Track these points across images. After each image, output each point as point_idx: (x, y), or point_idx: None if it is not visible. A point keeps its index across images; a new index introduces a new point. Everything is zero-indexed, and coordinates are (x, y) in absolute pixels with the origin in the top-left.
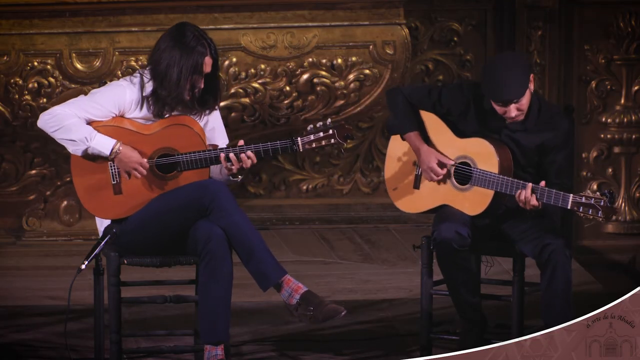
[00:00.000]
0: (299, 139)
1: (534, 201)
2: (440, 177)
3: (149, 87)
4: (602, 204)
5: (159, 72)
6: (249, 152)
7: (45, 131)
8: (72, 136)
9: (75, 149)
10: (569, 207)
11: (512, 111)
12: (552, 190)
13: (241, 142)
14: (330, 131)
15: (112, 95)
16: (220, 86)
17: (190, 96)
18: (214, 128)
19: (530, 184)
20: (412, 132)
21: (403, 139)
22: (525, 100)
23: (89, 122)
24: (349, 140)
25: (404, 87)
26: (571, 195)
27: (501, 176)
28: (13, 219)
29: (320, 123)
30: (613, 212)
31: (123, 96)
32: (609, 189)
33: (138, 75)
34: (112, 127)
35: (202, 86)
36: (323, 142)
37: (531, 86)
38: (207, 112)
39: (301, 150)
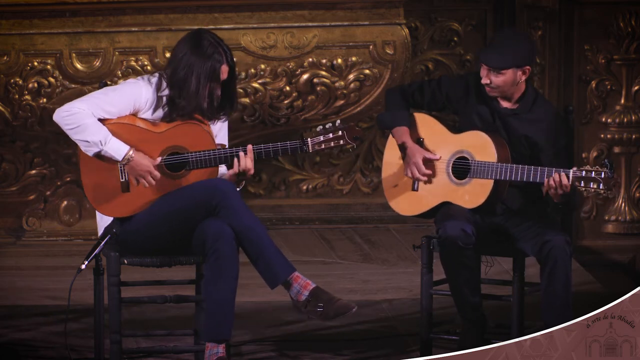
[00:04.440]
0: (309, 139)
1: (565, 180)
2: (424, 175)
3: (165, 91)
4: (602, 176)
5: (177, 81)
6: (249, 152)
7: (60, 127)
8: (87, 137)
9: (87, 150)
10: (569, 183)
11: (485, 78)
12: (552, 168)
13: (250, 146)
14: (340, 132)
15: (129, 94)
16: (236, 92)
17: (208, 104)
18: (220, 129)
19: (547, 169)
20: (401, 127)
21: (392, 135)
22: (500, 80)
23: (103, 120)
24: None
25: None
26: (571, 170)
27: (499, 164)
28: (13, 219)
29: (330, 124)
30: (614, 182)
31: (139, 95)
32: (607, 159)
33: (157, 76)
34: (124, 124)
35: (220, 94)
36: (332, 144)
37: (519, 75)
38: (223, 118)
39: (311, 151)
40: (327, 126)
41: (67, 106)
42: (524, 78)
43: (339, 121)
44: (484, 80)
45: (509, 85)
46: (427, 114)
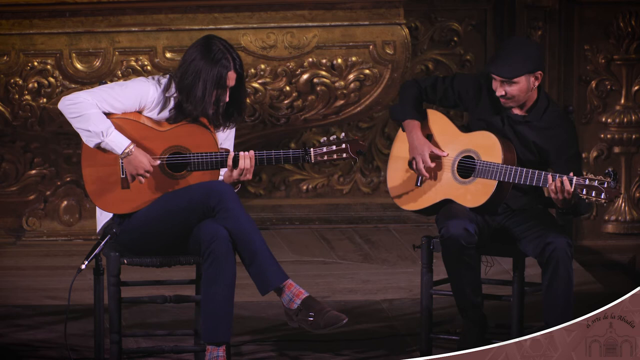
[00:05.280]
0: (311, 150)
1: (567, 186)
2: (429, 168)
3: (173, 94)
4: (605, 186)
5: (184, 86)
6: (251, 156)
7: (64, 115)
8: (90, 127)
9: (88, 140)
10: (572, 189)
11: (499, 90)
12: (556, 174)
13: (252, 152)
14: (343, 145)
15: (137, 92)
16: (245, 100)
17: (214, 110)
18: (227, 137)
19: (551, 174)
20: (412, 120)
21: (402, 127)
22: (514, 89)
23: (107, 114)
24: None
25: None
26: (575, 177)
27: (504, 165)
28: (13, 219)
29: (335, 136)
30: (617, 193)
31: (147, 94)
32: (611, 169)
33: (167, 77)
34: (128, 120)
35: (227, 100)
36: (335, 156)
37: (532, 81)
38: (231, 125)
39: (313, 162)
40: (331, 138)
41: (73, 95)
42: (537, 84)
43: (343, 134)
44: (499, 93)
45: (524, 93)
46: (439, 111)
